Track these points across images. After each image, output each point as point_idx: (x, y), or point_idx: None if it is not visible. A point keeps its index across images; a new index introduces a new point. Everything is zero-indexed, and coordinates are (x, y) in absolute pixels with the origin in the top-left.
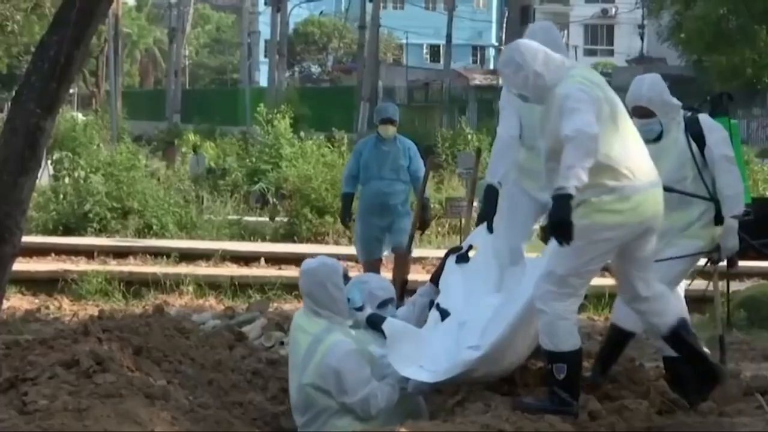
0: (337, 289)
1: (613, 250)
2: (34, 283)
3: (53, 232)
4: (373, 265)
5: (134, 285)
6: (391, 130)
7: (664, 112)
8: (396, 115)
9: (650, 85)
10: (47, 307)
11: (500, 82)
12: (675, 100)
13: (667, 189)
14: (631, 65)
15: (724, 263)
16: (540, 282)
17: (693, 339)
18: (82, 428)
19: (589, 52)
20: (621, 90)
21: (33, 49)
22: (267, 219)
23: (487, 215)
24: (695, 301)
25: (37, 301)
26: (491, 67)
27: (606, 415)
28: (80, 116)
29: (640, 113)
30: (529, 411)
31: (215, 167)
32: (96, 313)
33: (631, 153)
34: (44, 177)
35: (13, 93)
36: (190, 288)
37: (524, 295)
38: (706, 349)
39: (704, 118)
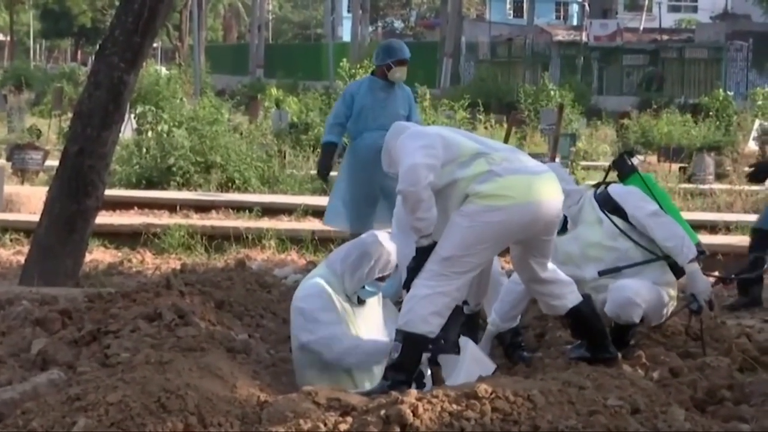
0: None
1: (503, 239)
2: (116, 237)
3: (136, 186)
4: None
5: (216, 239)
6: (404, 74)
7: None
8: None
9: None
10: (130, 261)
11: (583, 38)
12: (574, 186)
13: (618, 269)
14: (715, 22)
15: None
16: (426, 262)
17: (592, 321)
18: (163, 381)
19: (673, 8)
20: (705, 46)
21: (117, 3)
22: None
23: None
24: None
25: (119, 254)
26: (575, 23)
27: (687, 373)
28: (163, 70)
29: None
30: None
31: (298, 122)
32: (178, 267)
33: (498, 148)
34: (127, 131)
35: (97, 47)
36: (272, 242)
37: None
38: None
39: (614, 190)
